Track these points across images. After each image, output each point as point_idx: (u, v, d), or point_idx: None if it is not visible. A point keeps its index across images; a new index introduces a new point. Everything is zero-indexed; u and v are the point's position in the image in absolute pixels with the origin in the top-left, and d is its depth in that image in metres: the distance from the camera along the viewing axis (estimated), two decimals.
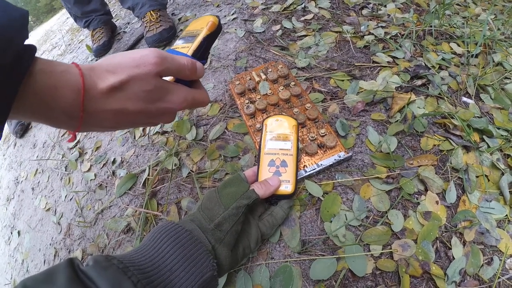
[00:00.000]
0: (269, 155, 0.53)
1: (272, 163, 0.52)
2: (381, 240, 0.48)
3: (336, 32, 0.83)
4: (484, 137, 0.59)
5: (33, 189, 0.99)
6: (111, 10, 1.32)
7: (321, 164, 0.56)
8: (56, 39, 2.00)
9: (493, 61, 0.73)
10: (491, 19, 0.83)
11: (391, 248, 0.48)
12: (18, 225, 0.98)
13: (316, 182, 0.55)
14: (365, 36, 0.81)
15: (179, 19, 1.15)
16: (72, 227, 0.76)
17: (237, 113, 0.70)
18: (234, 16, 1.00)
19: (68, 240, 0.74)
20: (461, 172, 0.54)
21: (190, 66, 0.41)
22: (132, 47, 1.16)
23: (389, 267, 0.46)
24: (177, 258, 0.34)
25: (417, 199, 0.52)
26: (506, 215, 0.51)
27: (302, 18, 0.90)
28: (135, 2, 1.07)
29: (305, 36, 0.84)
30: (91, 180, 0.79)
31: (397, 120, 0.62)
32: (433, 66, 0.72)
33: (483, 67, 0.72)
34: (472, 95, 0.67)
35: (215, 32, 0.47)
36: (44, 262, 0.79)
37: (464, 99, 0.66)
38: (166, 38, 1.02)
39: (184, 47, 0.44)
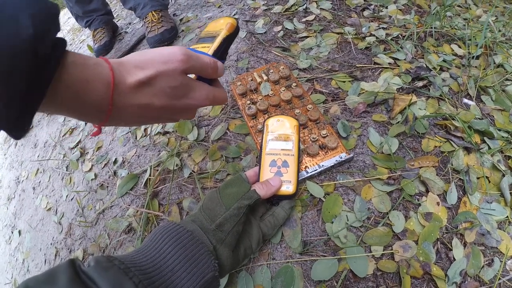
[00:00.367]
0: (270, 156, 0.53)
1: (274, 163, 0.52)
2: (382, 241, 0.48)
3: (338, 33, 0.84)
4: (485, 138, 0.59)
5: (34, 188, 0.99)
6: (112, 10, 1.32)
7: (323, 165, 0.56)
8: None
9: (494, 63, 0.73)
10: (492, 20, 0.83)
11: (392, 249, 0.48)
12: (19, 225, 0.98)
13: (317, 183, 0.55)
14: (366, 38, 0.81)
15: (181, 20, 1.15)
16: (73, 227, 0.76)
17: (238, 114, 0.70)
18: (236, 17, 1.00)
19: (69, 240, 0.74)
20: (462, 173, 0.55)
21: (212, 65, 0.42)
22: (134, 47, 1.16)
23: (390, 268, 0.46)
24: (178, 259, 0.34)
25: (418, 200, 0.52)
26: (507, 217, 0.51)
27: (304, 19, 0.90)
28: (136, 2, 1.07)
29: (307, 37, 0.85)
30: (92, 180, 0.79)
31: (398, 122, 0.62)
32: (434, 68, 0.72)
33: (484, 69, 0.72)
34: (473, 97, 0.67)
35: (234, 33, 0.48)
36: (45, 261, 0.79)
37: (465, 100, 0.66)
38: (168, 38, 1.02)
39: (204, 47, 0.45)
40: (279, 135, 0.54)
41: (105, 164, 0.80)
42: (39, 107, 0.28)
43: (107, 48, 1.21)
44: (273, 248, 0.51)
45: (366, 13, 0.91)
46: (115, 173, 0.76)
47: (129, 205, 0.66)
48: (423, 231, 0.49)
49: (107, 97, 0.33)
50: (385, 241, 0.48)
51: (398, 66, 0.73)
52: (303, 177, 0.55)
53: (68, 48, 0.31)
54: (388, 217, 0.51)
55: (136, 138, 0.79)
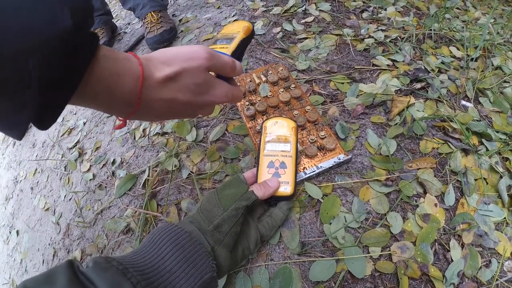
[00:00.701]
0: (268, 157, 0.53)
1: (272, 164, 0.52)
2: (380, 242, 0.49)
3: (337, 35, 0.84)
4: (483, 140, 0.60)
5: (32, 188, 0.98)
6: (111, 10, 1.32)
7: (321, 167, 0.56)
8: None
9: (492, 65, 0.74)
10: (490, 23, 0.83)
11: (390, 250, 0.48)
12: (16, 225, 0.98)
13: (315, 184, 0.55)
14: (365, 39, 0.81)
15: (180, 20, 1.15)
16: (71, 227, 0.76)
17: (237, 115, 0.70)
18: (235, 18, 1.00)
19: (67, 240, 0.74)
20: (460, 175, 0.55)
21: (231, 64, 0.43)
22: (133, 47, 1.16)
23: (388, 269, 0.46)
24: (176, 260, 0.34)
25: (416, 201, 0.52)
26: (504, 218, 0.51)
27: (303, 21, 0.91)
28: (136, 3, 1.07)
29: (306, 38, 0.85)
30: (90, 180, 0.79)
31: (397, 123, 0.62)
32: (432, 70, 0.72)
33: (482, 71, 0.73)
34: (471, 99, 0.67)
35: (250, 36, 0.50)
36: (43, 262, 0.79)
37: (463, 102, 0.67)
38: (167, 39, 1.02)
39: (222, 47, 0.47)
40: (277, 136, 0.55)
41: (104, 165, 0.80)
42: (70, 99, 0.29)
43: None
44: (271, 249, 0.51)
45: (365, 15, 0.91)
46: (113, 173, 0.76)
47: (127, 206, 0.66)
48: (421, 232, 0.49)
49: (136, 90, 0.34)
50: (383, 242, 0.49)
51: (397, 68, 0.73)
52: (301, 178, 0.55)
53: None
54: (386, 218, 0.51)
55: (134, 138, 0.79)
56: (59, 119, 1.09)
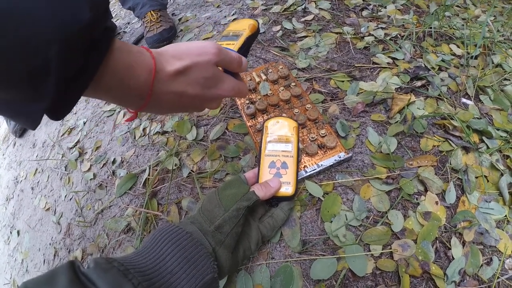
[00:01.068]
0: (269, 157, 0.53)
1: (273, 164, 0.52)
2: (381, 240, 0.49)
3: (336, 33, 0.84)
4: (484, 138, 0.59)
5: (32, 188, 0.98)
6: (111, 10, 1.32)
7: (321, 165, 0.56)
8: None
9: (493, 63, 0.73)
10: (490, 20, 0.83)
11: (391, 248, 0.48)
12: (17, 225, 0.97)
13: (316, 183, 0.55)
14: (365, 37, 0.81)
15: (180, 19, 1.15)
16: (72, 227, 0.76)
17: (237, 114, 0.70)
18: (235, 16, 1.00)
19: (68, 240, 0.74)
20: (461, 172, 0.55)
21: (238, 60, 0.45)
22: None
23: (389, 267, 0.46)
24: (177, 261, 0.34)
25: (416, 199, 0.52)
26: (505, 216, 0.51)
27: (303, 19, 0.90)
28: (135, 2, 1.07)
29: (306, 37, 0.85)
30: (91, 179, 0.79)
31: (397, 121, 0.62)
32: (432, 68, 0.72)
33: (482, 69, 0.73)
34: (472, 96, 0.67)
35: (255, 34, 0.52)
36: (44, 261, 0.79)
37: (464, 100, 0.66)
38: (166, 38, 1.02)
39: (229, 44, 0.48)
40: (278, 136, 0.54)
41: (104, 164, 0.80)
42: (86, 89, 0.30)
43: None
44: (272, 247, 0.51)
45: (364, 13, 0.91)
46: (113, 173, 0.76)
47: (128, 205, 0.66)
48: (422, 230, 0.49)
49: (148, 83, 0.35)
50: (384, 240, 0.49)
51: (397, 65, 0.73)
52: (302, 177, 0.55)
53: None
54: (387, 216, 0.51)
55: (135, 137, 0.79)
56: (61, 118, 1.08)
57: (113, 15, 1.38)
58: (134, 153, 0.76)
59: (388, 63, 0.74)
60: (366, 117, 0.64)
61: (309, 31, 0.86)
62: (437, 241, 0.49)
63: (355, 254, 0.47)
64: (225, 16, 1.03)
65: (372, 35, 0.81)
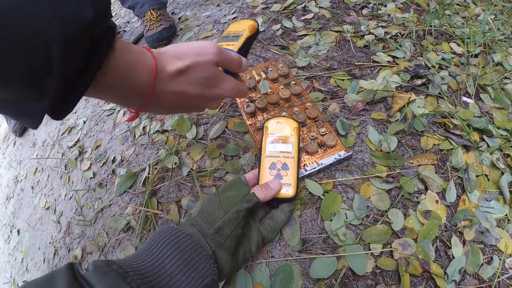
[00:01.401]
0: (270, 158, 0.52)
1: (273, 166, 0.51)
2: (381, 239, 0.48)
3: (336, 31, 0.83)
4: (484, 136, 0.59)
5: (32, 187, 0.98)
6: (111, 9, 1.32)
7: (322, 163, 0.56)
8: None
9: (493, 61, 0.73)
10: (491, 19, 0.83)
11: (391, 247, 0.48)
12: (17, 224, 0.97)
13: (316, 181, 0.55)
14: (365, 36, 0.81)
15: (179, 18, 1.15)
16: (72, 225, 0.76)
17: (237, 112, 0.70)
18: (234, 15, 1.00)
19: (68, 239, 0.74)
20: (461, 171, 0.54)
21: (238, 60, 0.45)
22: None
23: (389, 266, 0.46)
24: (177, 263, 0.34)
25: (417, 198, 0.52)
26: (506, 215, 0.51)
27: (302, 18, 0.90)
28: (135, 1, 1.06)
29: (305, 35, 0.84)
30: (91, 178, 0.79)
31: (397, 120, 0.62)
32: (433, 66, 0.72)
33: (483, 67, 0.72)
34: (472, 95, 0.67)
35: (255, 34, 0.53)
36: (44, 260, 0.79)
37: (464, 98, 0.66)
38: (166, 37, 1.02)
39: (229, 44, 0.49)
40: (279, 137, 0.54)
41: (104, 163, 0.79)
42: (87, 88, 0.30)
43: None
44: (272, 246, 0.51)
45: (365, 11, 0.90)
46: (113, 171, 0.75)
47: (127, 204, 0.66)
48: (422, 229, 0.49)
49: (149, 83, 0.36)
50: (384, 239, 0.48)
51: (397, 64, 0.73)
52: (302, 175, 0.55)
53: None
54: (387, 215, 0.51)
55: (134, 136, 0.79)
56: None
57: (113, 14, 1.38)
58: (134, 151, 0.76)
59: (388, 61, 0.74)
60: (366, 115, 0.64)
61: (309, 30, 0.86)
62: (438, 240, 0.49)
63: (355, 253, 0.47)
64: (225, 15, 1.03)
65: (372, 33, 0.81)
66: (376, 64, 0.73)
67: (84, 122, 0.98)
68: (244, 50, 0.50)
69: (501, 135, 0.60)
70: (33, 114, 0.29)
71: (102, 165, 0.79)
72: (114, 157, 0.78)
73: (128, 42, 0.35)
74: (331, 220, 0.51)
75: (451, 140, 0.58)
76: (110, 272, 0.29)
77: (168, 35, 1.02)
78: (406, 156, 0.57)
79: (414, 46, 0.78)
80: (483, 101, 0.66)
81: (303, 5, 0.94)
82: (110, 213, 0.69)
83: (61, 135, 1.01)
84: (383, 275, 0.46)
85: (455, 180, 0.54)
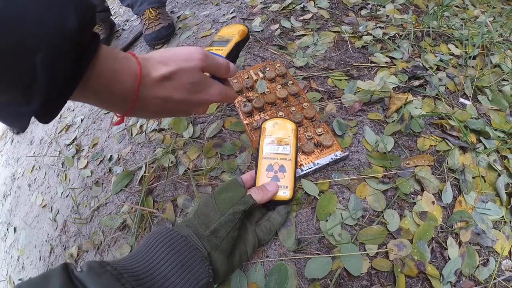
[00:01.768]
0: (267, 160, 0.51)
1: (270, 168, 0.51)
2: (377, 240, 0.48)
3: (335, 32, 0.83)
4: (481, 138, 0.59)
5: (29, 185, 0.98)
6: (110, 7, 1.32)
7: (318, 163, 0.55)
8: None
9: (491, 63, 0.73)
10: (489, 21, 0.83)
11: (386, 248, 0.48)
12: (14, 222, 0.97)
13: (312, 181, 0.55)
14: (363, 36, 0.81)
15: (178, 17, 1.15)
16: (68, 223, 0.75)
17: (234, 111, 0.70)
18: (233, 15, 1.00)
19: (64, 237, 0.74)
20: (458, 172, 0.54)
21: (226, 65, 0.46)
22: (131, 44, 1.15)
23: (385, 267, 0.46)
24: (172, 265, 0.34)
25: (413, 199, 0.52)
26: (502, 216, 0.51)
27: (301, 18, 0.90)
28: None
29: (304, 35, 0.84)
30: (87, 177, 0.79)
31: (394, 120, 0.62)
32: (430, 67, 0.72)
33: (480, 69, 0.72)
34: (470, 97, 0.67)
35: (245, 39, 0.53)
36: (40, 258, 0.78)
37: (462, 100, 0.66)
38: (165, 36, 1.02)
39: (218, 49, 0.50)
40: (277, 138, 0.53)
41: (101, 161, 0.79)
42: (72, 94, 0.31)
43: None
44: (267, 246, 0.51)
45: (363, 12, 0.90)
46: (110, 170, 0.75)
47: (123, 202, 0.66)
48: (418, 230, 0.49)
49: (133, 88, 0.36)
50: (380, 239, 0.48)
51: (395, 65, 0.73)
52: (298, 175, 0.55)
53: None
54: (383, 216, 0.50)
55: (131, 135, 0.79)
56: (57, 116, 1.08)
57: (112, 13, 1.37)
58: (130, 150, 0.76)
59: (386, 62, 0.74)
60: (363, 116, 0.64)
61: (307, 30, 0.86)
62: (433, 241, 0.48)
63: (350, 253, 0.47)
64: (223, 14, 1.02)
65: (371, 34, 0.81)
66: (373, 64, 0.73)
67: (82, 120, 0.98)
68: (233, 55, 0.51)
69: (498, 136, 0.60)
70: (20, 117, 0.30)
71: (99, 164, 0.79)
72: (111, 156, 0.78)
73: (113, 48, 0.35)
74: (327, 220, 0.51)
75: (448, 141, 0.58)
76: (104, 273, 0.29)
77: (167, 34, 1.02)
78: (402, 157, 0.57)
79: (412, 47, 0.78)
80: (480, 102, 0.66)
81: (301, 5, 0.94)
82: (106, 211, 0.68)
83: (59, 133, 1.01)
84: (378, 276, 0.46)
85: (452, 181, 0.54)
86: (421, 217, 0.50)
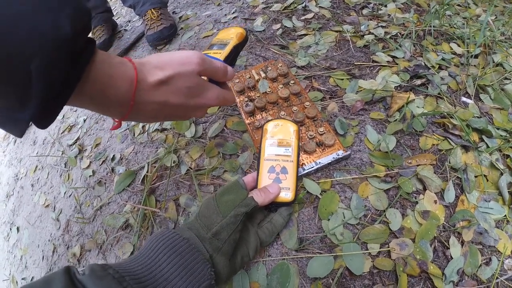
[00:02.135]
0: (269, 161, 0.51)
1: (272, 169, 0.50)
2: (379, 239, 0.48)
3: (336, 31, 0.83)
4: (483, 137, 0.59)
5: (32, 185, 0.99)
6: (112, 8, 1.32)
7: (320, 162, 0.55)
8: None
9: (493, 62, 0.73)
10: (491, 20, 0.82)
11: (388, 247, 0.48)
12: (17, 221, 0.98)
13: (314, 180, 0.55)
14: (365, 36, 0.81)
15: (180, 18, 1.15)
16: (71, 223, 0.76)
17: (236, 111, 0.70)
18: (235, 15, 1.00)
19: (67, 236, 0.74)
20: (460, 171, 0.54)
21: (223, 69, 0.46)
22: (133, 45, 1.16)
23: (387, 266, 0.46)
24: (174, 267, 0.34)
25: (415, 198, 0.52)
26: (505, 216, 0.51)
27: (303, 17, 0.90)
28: (136, 0, 1.07)
29: (305, 35, 0.84)
30: (90, 176, 0.79)
31: (396, 119, 0.61)
32: (432, 66, 0.72)
33: (483, 68, 0.72)
34: (472, 95, 0.66)
35: (243, 42, 0.53)
36: (43, 258, 0.79)
37: (464, 99, 0.66)
38: (167, 36, 1.02)
39: (216, 53, 0.49)
40: (279, 140, 0.53)
41: (103, 161, 0.80)
42: (68, 100, 0.31)
43: (106, 45, 1.21)
44: (269, 245, 0.51)
45: (365, 11, 0.90)
46: (112, 169, 0.76)
47: (126, 202, 0.66)
48: (420, 229, 0.49)
49: (129, 93, 0.36)
50: (382, 238, 0.48)
51: (397, 64, 0.73)
52: (300, 174, 0.55)
53: None
54: (385, 215, 0.50)
55: (134, 135, 0.79)
56: (60, 117, 1.09)
57: (114, 13, 1.38)
58: (133, 150, 0.76)
59: (388, 61, 0.74)
60: (365, 115, 0.64)
61: (309, 29, 0.86)
62: (436, 241, 0.48)
63: (352, 252, 0.47)
64: (225, 14, 1.03)
65: (372, 33, 0.81)
66: (375, 64, 0.73)
67: (84, 121, 0.98)
68: (232, 58, 0.51)
69: (501, 135, 0.59)
70: (17, 122, 0.30)
71: (102, 163, 0.80)
72: (114, 155, 0.78)
73: (110, 54, 0.35)
74: (329, 220, 0.51)
75: (450, 140, 0.58)
76: (106, 276, 0.29)
77: (169, 34, 1.02)
78: (404, 156, 0.57)
79: (414, 46, 0.77)
80: (482, 101, 0.66)
81: (303, 4, 0.94)
82: (108, 211, 0.69)
83: (61, 133, 1.01)
84: (381, 275, 0.46)
85: (454, 180, 0.54)
86: (423, 216, 0.50)
